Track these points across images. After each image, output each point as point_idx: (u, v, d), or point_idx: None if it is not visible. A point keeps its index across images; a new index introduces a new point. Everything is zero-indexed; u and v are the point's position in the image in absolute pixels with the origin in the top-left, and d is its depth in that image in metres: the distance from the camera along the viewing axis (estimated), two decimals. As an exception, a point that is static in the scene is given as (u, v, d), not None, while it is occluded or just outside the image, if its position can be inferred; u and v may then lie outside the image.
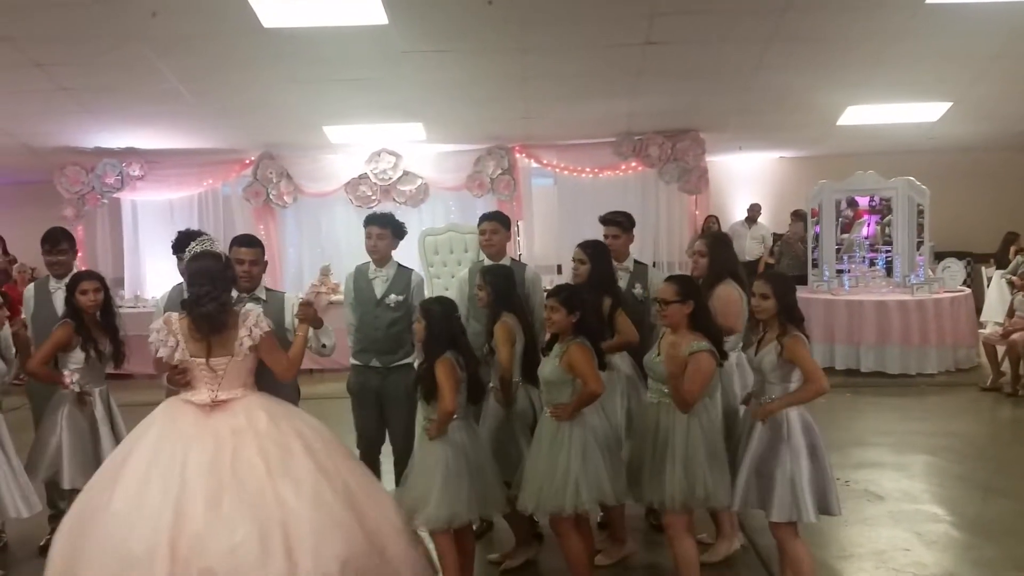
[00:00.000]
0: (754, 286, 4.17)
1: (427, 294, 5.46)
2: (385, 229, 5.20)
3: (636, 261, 5.41)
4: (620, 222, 5.37)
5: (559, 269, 11.90)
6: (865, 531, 5.26)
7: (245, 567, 3.40)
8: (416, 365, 4.38)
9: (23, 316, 5.52)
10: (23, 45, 7.63)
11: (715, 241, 5.00)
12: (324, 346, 4.61)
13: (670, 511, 4.09)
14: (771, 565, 4.59)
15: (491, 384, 4.66)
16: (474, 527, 4.39)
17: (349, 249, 12.10)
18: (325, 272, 10.89)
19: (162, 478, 3.55)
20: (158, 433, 3.72)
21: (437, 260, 10.79)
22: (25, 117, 9.76)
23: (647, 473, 4.19)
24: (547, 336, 4.47)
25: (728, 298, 4.61)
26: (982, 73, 9.40)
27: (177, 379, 3.86)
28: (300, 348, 4.18)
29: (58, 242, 5.36)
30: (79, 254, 5.60)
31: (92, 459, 4.70)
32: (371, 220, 5.25)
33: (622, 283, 5.20)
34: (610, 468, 4.18)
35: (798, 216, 11.98)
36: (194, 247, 4.11)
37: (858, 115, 10.72)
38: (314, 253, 12.28)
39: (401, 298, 5.11)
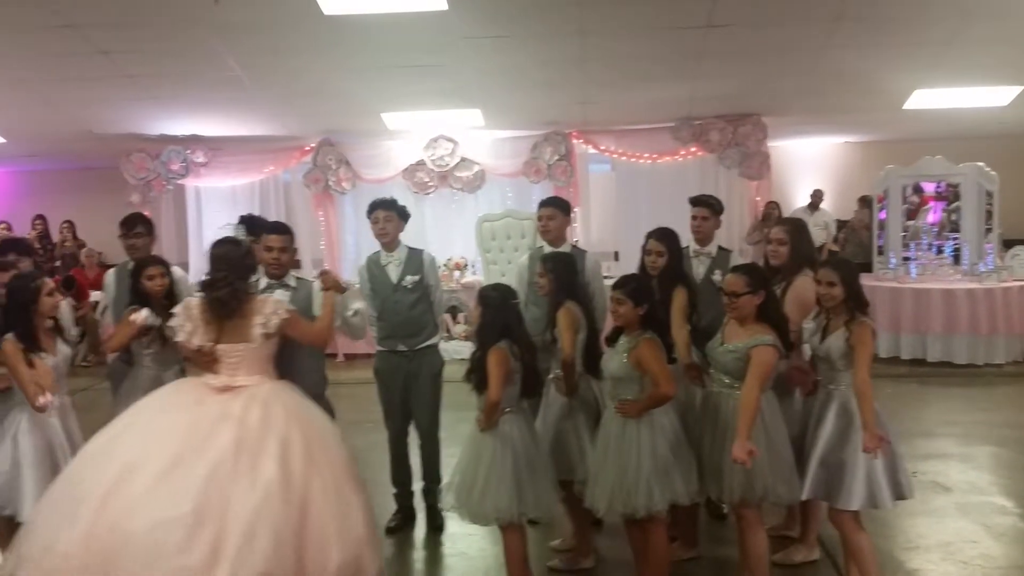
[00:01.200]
0: (820, 273, 4.10)
1: (483, 281, 5.46)
2: (391, 212, 5.27)
3: (720, 247, 5.28)
4: (711, 204, 5.25)
5: (616, 256, 11.84)
6: (932, 522, 5.17)
7: (165, 546, 3.37)
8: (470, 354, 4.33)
9: (96, 300, 5.65)
10: (89, 33, 7.79)
11: (796, 228, 4.82)
12: (355, 313, 4.63)
13: (741, 504, 4.03)
14: None
15: (551, 374, 4.60)
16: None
17: (406, 234, 12.18)
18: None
19: (132, 434, 3.65)
20: (157, 397, 3.84)
21: (494, 246, 10.80)
22: (92, 104, 9.97)
23: (706, 464, 4.13)
24: (609, 327, 4.39)
25: (808, 289, 4.38)
26: (1055, 56, 9.09)
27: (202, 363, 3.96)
28: (328, 313, 4.26)
29: (134, 225, 5.47)
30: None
31: None
32: (377, 205, 5.31)
33: (702, 268, 5.10)
34: (683, 467, 4.07)
35: (864, 202, 11.73)
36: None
37: (926, 99, 10.41)
38: (371, 239, 12.31)
39: (417, 278, 5.19)
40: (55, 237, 13.29)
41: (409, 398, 5.23)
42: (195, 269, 12.09)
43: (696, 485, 4.14)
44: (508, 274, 5.31)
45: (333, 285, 4.37)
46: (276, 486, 3.55)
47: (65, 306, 5.36)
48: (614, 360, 4.15)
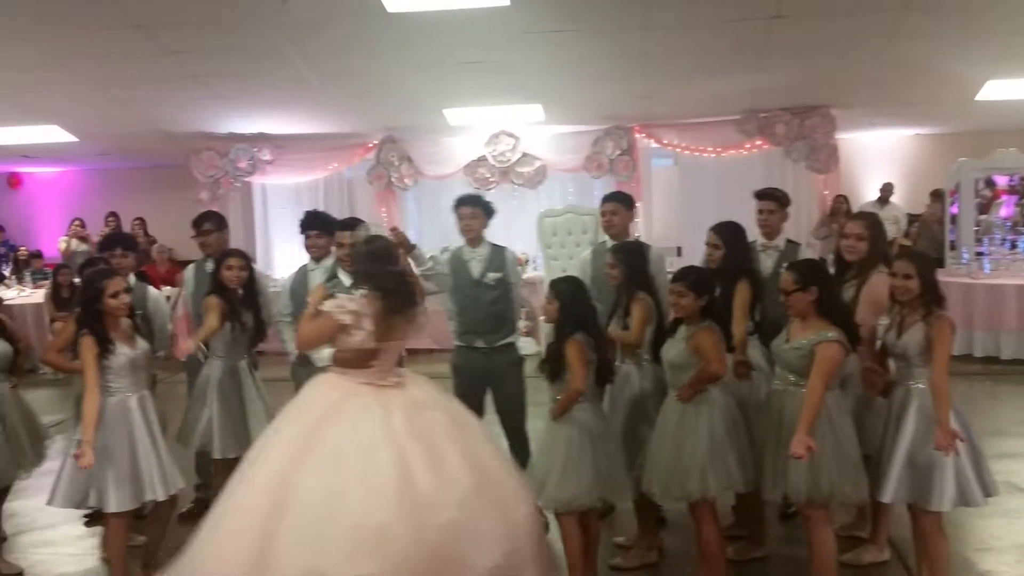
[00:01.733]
0: (895, 266, 4.00)
1: (545, 277, 5.46)
2: (477, 208, 5.27)
3: (788, 240, 5.20)
4: (778, 197, 5.18)
5: (679, 251, 11.72)
6: (1006, 524, 5.03)
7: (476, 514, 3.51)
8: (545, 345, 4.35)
9: (167, 295, 5.80)
10: (157, 33, 7.95)
11: (874, 223, 4.69)
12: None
13: (807, 504, 3.97)
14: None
15: (617, 363, 4.61)
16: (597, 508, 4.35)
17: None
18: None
19: (371, 450, 3.55)
20: (349, 411, 3.69)
21: (555, 242, 10.79)
22: (162, 103, 10.20)
23: (771, 464, 4.06)
24: (671, 318, 4.38)
25: (883, 287, 4.23)
26: None
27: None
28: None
29: (202, 223, 5.63)
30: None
31: (243, 430, 4.94)
32: (463, 201, 5.33)
33: (770, 262, 5.01)
34: (738, 454, 4.07)
35: (937, 196, 11.44)
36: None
37: (998, 90, 10.10)
38: (434, 235, 12.45)
39: (499, 275, 5.18)
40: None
41: (484, 395, 5.23)
42: (261, 265, 12.34)
43: (752, 473, 4.11)
44: (569, 270, 5.30)
45: (403, 241, 4.39)
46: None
47: (162, 300, 5.53)
48: (673, 348, 4.18)
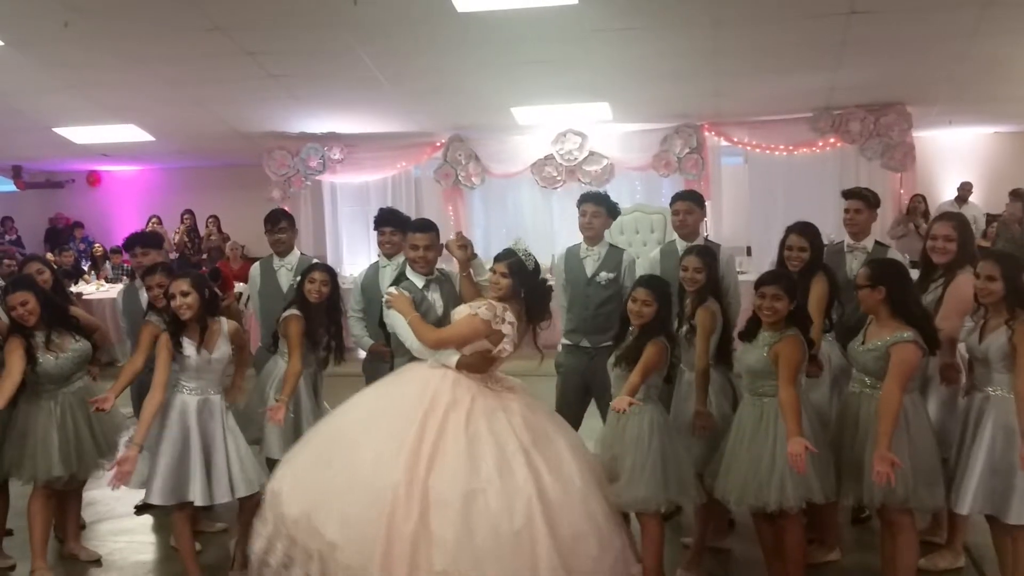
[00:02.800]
0: (980, 267, 3.86)
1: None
2: (600, 207, 5.18)
3: (877, 242, 5.09)
4: (866, 196, 5.08)
5: (748, 251, 11.56)
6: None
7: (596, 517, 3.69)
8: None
9: (240, 291, 5.86)
10: (235, 35, 8.12)
11: (964, 225, 4.55)
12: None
13: (890, 509, 3.88)
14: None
15: (682, 366, 4.55)
16: (663, 511, 4.31)
17: (535, 229, 12.27)
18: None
19: (503, 452, 3.66)
20: (478, 411, 3.79)
21: (622, 240, 10.66)
22: (236, 104, 10.41)
23: (845, 467, 3.98)
24: (743, 322, 4.30)
25: (969, 286, 4.11)
26: None
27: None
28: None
29: (277, 221, 5.69)
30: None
31: (292, 432, 4.87)
32: (586, 198, 5.26)
33: (855, 264, 4.87)
34: (818, 464, 3.91)
35: (1017, 196, 11.07)
36: (519, 246, 4.18)
37: (1082, 86, 9.78)
38: (500, 233, 12.48)
39: (612, 276, 5.08)
40: (202, 231, 13.94)
41: (586, 395, 5.18)
42: (331, 263, 12.50)
43: (833, 485, 4.00)
44: (637, 269, 5.23)
45: (468, 249, 4.41)
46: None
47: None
48: (753, 354, 4.06)
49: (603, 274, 5.12)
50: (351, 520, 3.53)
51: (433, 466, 3.56)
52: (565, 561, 3.49)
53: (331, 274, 5.03)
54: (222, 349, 4.47)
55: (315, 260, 5.45)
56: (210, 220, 13.76)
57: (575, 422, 5.18)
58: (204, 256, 13.41)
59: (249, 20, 7.81)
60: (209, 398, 4.43)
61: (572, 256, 5.31)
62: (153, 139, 11.91)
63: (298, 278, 5.12)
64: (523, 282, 3.99)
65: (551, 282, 4.53)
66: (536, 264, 4.08)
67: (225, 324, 4.54)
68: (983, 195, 12.21)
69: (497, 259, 4.07)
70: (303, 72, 9.26)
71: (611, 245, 5.29)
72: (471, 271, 4.41)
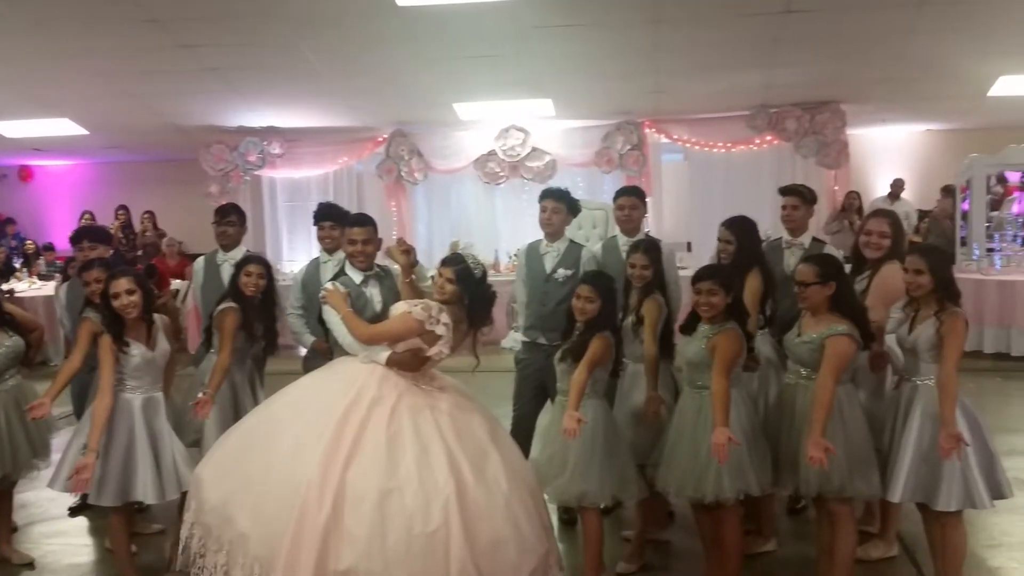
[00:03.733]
0: (907, 261, 3.95)
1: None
2: (560, 203, 5.19)
3: (814, 238, 5.16)
4: (802, 193, 5.15)
5: (689, 247, 11.68)
6: (1016, 520, 4.99)
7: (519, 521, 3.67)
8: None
9: (176, 288, 5.77)
10: (170, 27, 7.98)
11: (898, 222, 4.67)
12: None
13: (828, 499, 3.96)
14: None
15: (625, 360, 4.59)
16: (602, 506, 4.35)
17: (478, 225, 12.30)
18: (454, 248, 10.98)
19: (426, 451, 3.62)
20: (404, 408, 3.74)
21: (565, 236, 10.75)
22: (173, 97, 10.23)
23: (782, 457, 4.06)
24: (683, 316, 4.36)
25: (894, 277, 4.25)
26: None
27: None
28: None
29: (227, 214, 5.64)
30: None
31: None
32: (547, 194, 5.26)
33: (792, 260, 4.94)
34: (755, 457, 4.00)
35: (948, 192, 11.41)
36: (466, 252, 4.19)
37: (1011, 85, 10.06)
38: (443, 229, 12.48)
39: (570, 273, 5.07)
40: (137, 227, 13.68)
41: (543, 392, 5.15)
42: (270, 258, 12.35)
43: (770, 477, 4.07)
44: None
45: (410, 256, 4.39)
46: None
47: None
48: (692, 347, 4.11)
49: (561, 271, 5.13)
50: (263, 511, 3.49)
51: (351, 461, 3.51)
52: (480, 565, 3.45)
53: (266, 267, 4.97)
54: (162, 346, 4.41)
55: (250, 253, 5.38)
56: (145, 216, 13.50)
57: (530, 416, 5.22)
58: (139, 253, 13.15)
59: (186, 12, 7.68)
60: (152, 396, 4.36)
61: (532, 252, 5.31)
62: (87, 133, 11.66)
63: None
64: (468, 289, 3.97)
65: (505, 277, 4.53)
66: (484, 272, 4.07)
67: (159, 320, 4.47)
68: (915, 191, 12.54)
69: (444, 263, 4.06)
70: (241, 65, 9.14)
71: (571, 241, 5.29)
72: (414, 277, 4.38)
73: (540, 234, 5.35)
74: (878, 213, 4.86)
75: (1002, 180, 10.49)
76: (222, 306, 4.81)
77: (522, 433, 5.08)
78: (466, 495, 3.52)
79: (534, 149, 11.58)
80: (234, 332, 4.72)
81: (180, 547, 3.77)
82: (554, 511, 4.83)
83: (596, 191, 11.72)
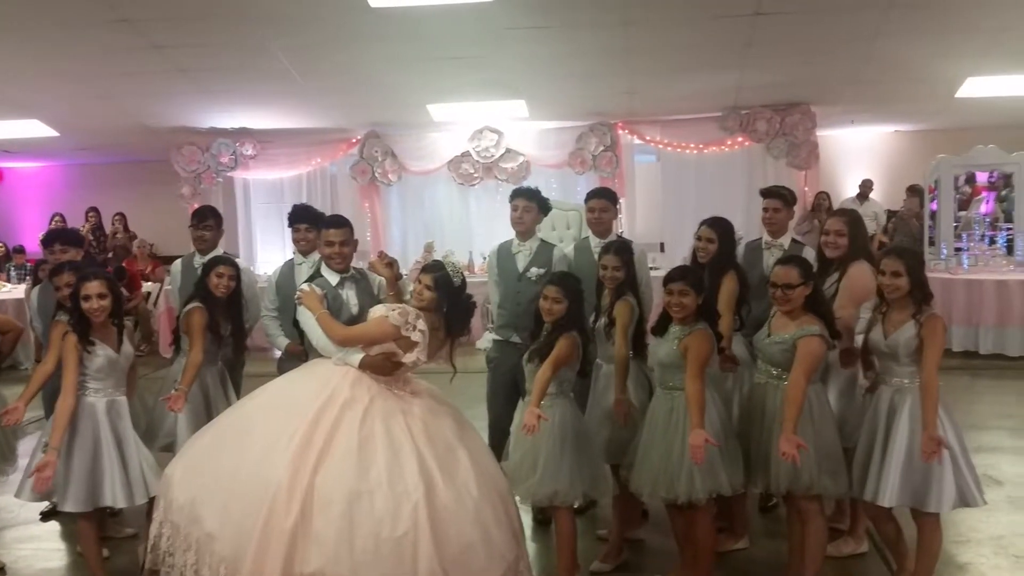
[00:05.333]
0: (884, 263, 3.94)
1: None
2: (531, 202, 5.21)
3: (794, 239, 5.19)
4: (783, 195, 5.17)
5: (662, 247, 11.79)
6: (984, 516, 5.03)
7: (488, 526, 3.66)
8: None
9: (148, 291, 5.73)
10: (142, 27, 7.92)
11: (854, 220, 4.71)
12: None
13: (795, 496, 4.00)
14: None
15: (598, 360, 4.64)
16: (576, 505, 4.38)
17: (452, 226, 12.30)
18: (429, 249, 11.05)
19: (398, 454, 3.60)
20: (376, 411, 3.74)
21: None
22: (144, 98, 10.16)
23: (753, 456, 4.11)
24: (655, 316, 4.39)
25: (864, 276, 4.34)
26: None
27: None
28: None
29: (204, 218, 5.59)
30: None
31: None
32: (518, 193, 5.29)
33: (772, 261, 4.86)
34: (727, 457, 4.03)
35: (914, 192, 11.57)
36: (447, 261, 4.21)
37: (978, 87, 10.22)
38: (417, 230, 12.48)
39: (542, 271, 5.07)
40: (108, 229, 13.56)
41: (515, 391, 5.19)
42: (244, 260, 12.30)
43: (741, 477, 4.11)
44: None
45: (394, 271, 4.39)
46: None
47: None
48: (663, 347, 4.14)
49: (533, 270, 5.15)
50: (231, 511, 3.48)
51: (321, 464, 3.50)
52: (449, 570, 3.45)
53: (236, 268, 4.96)
54: (126, 349, 4.39)
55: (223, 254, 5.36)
56: (116, 218, 13.41)
57: (505, 417, 5.20)
58: (110, 255, 13.05)
59: (157, 13, 7.63)
60: (116, 399, 4.33)
61: (504, 251, 5.33)
62: (57, 135, 11.54)
63: None
64: (447, 297, 3.98)
65: (480, 278, 4.54)
66: (463, 281, 4.07)
67: (127, 324, 4.46)
68: (883, 192, 12.69)
69: (424, 270, 4.06)
70: (213, 66, 9.09)
71: (543, 241, 5.31)
72: (398, 289, 4.38)
73: (512, 233, 5.36)
74: (836, 213, 4.92)
75: (970, 180, 10.64)
76: (188, 306, 4.81)
77: (499, 435, 5.11)
78: (436, 500, 3.52)
79: (508, 150, 11.62)
80: (203, 330, 4.71)
81: (149, 545, 3.76)
82: (528, 511, 4.87)
83: (570, 192, 11.76)
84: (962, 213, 10.49)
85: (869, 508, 4.07)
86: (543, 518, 4.99)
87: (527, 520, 4.92)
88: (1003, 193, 10.45)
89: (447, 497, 3.56)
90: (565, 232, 10.62)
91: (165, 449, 4.89)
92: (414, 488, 3.50)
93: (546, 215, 5.36)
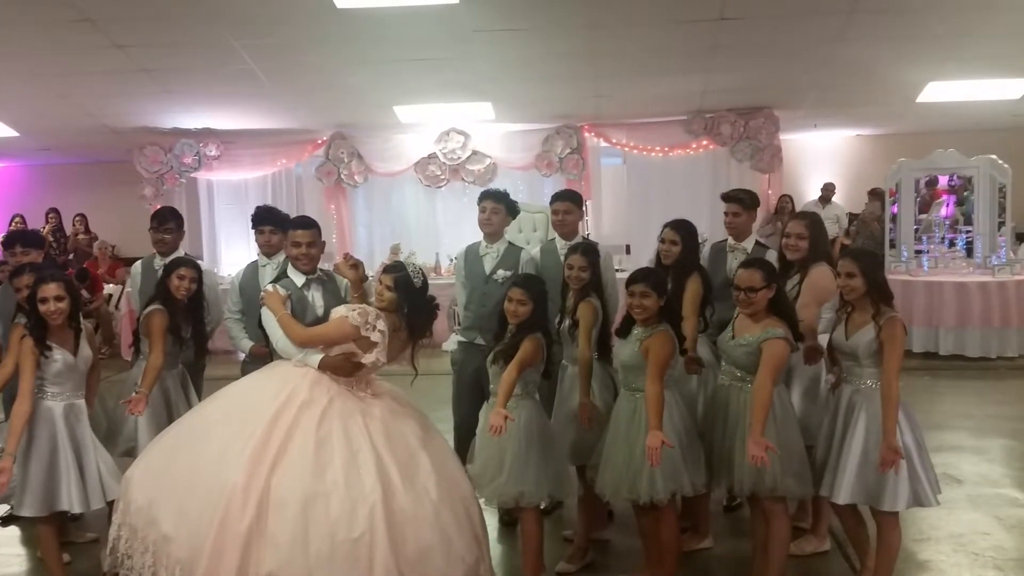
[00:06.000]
0: (839, 265, 4.02)
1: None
2: (499, 204, 5.21)
3: (757, 242, 5.23)
4: (742, 200, 5.21)
5: (628, 249, 11.84)
6: (943, 514, 5.11)
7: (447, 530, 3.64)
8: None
9: (110, 293, 5.65)
10: (104, 27, 7.83)
11: (815, 223, 4.77)
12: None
13: (760, 497, 4.03)
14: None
15: (564, 362, 4.65)
16: (542, 506, 4.39)
17: (418, 227, 12.27)
18: (395, 251, 11.00)
19: (356, 455, 3.59)
20: (334, 412, 3.71)
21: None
22: (106, 98, 10.03)
23: (716, 457, 4.14)
24: (619, 318, 4.41)
25: (825, 278, 4.39)
26: (1070, 48, 9.06)
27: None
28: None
29: (165, 220, 5.51)
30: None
31: None
32: (486, 195, 5.28)
33: (735, 264, 4.94)
34: (689, 458, 4.06)
35: (875, 195, 11.73)
36: (408, 260, 4.15)
37: (939, 91, 10.39)
38: (384, 232, 12.43)
39: (509, 274, 5.07)
40: (68, 230, 13.38)
41: (481, 392, 5.17)
42: (207, 263, 12.18)
43: (703, 478, 4.15)
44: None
45: (360, 273, 4.37)
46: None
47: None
48: (626, 349, 4.16)
49: (500, 272, 5.14)
50: (187, 514, 3.45)
51: (278, 465, 3.48)
52: (406, 573, 3.45)
53: (197, 270, 4.92)
54: (84, 352, 4.34)
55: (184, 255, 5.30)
56: (77, 219, 13.23)
57: (471, 419, 5.19)
58: (70, 256, 12.88)
59: (119, 12, 7.54)
60: (74, 403, 4.28)
61: (472, 253, 5.32)
62: (17, 134, 11.36)
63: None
64: (407, 297, 3.96)
65: (446, 280, 4.52)
66: (424, 281, 4.05)
67: (85, 327, 4.40)
68: (846, 195, 12.86)
69: (385, 271, 4.05)
70: (176, 66, 9.00)
71: (510, 243, 5.32)
72: (363, 291, 4.35)
73: (479, 237, 5.36)
74: (796, 216, 4.98)
75: (931, 184, 10.80)
76: (148, 308, 4.76)
77: (465, 437, 5.10)
78: (393, 502, 3.50)
79: (474, 152, 11.62)
80: (163, 333, 4.66)
81: (108, 547, 3.71)
82: (494, 513, 4.87)
83: (536, 194, 11.78)
84: (923, 216, 10.64)
85: (835, 504, 4.12)
86: (509, 519, 4.99)
87: (493, 522, 4.93)
88: (963, 196, 10.61)
89: (405, 500, 3.54)
90: (532, 234, 10.61)
91: (126, 454, 4.83)
92: (371, 490, 3.48)
93: (514, 218, 5.37)
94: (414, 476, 3.65)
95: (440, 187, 11.86)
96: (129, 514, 3.62)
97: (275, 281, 4.45)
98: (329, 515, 3.42)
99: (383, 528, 3.43)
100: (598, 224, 11.86)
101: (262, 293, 4.26)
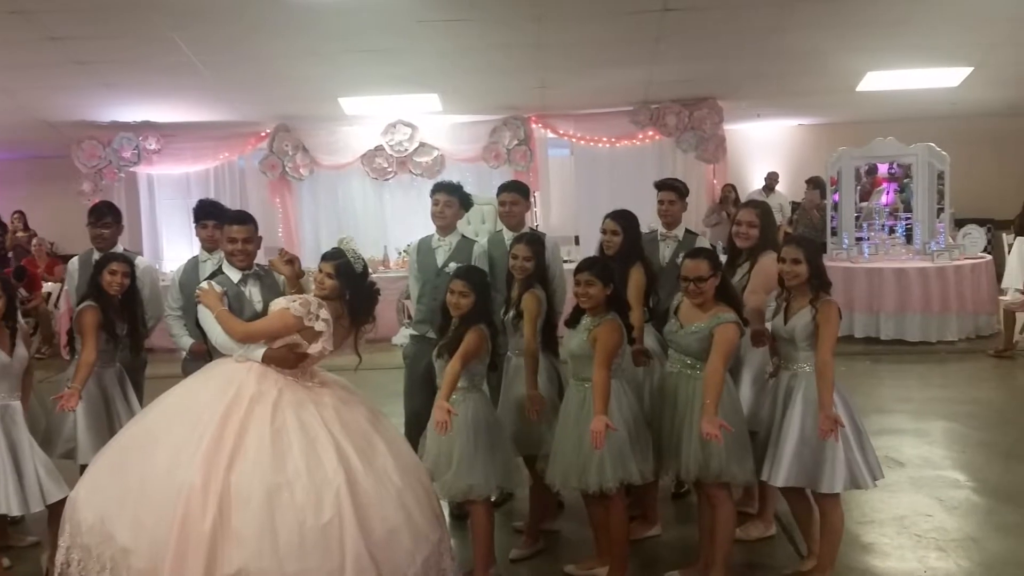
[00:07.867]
0: (784, 251, 4.11)
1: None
2: (452, 197, 5.17)
3: (688, 230, 5.29)
4: (676, 187, 5.27)
5: (576, 240, 11.89)
6: (886, 497, 5.23)
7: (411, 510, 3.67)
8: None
9: (48, 291, 5.52)
10: (38, 19, 7.64)
11: (765, 212, 4.84)
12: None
13: (704, 483, 4.08)
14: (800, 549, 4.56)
15: (508, 353, 4.65)
16: (492, 499, 4.39)
17: (366, 221, 12.17)
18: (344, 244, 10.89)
19: (314, 443, 3.56)
20: (286, 403, 3.67)
21: (454, 231, 10.76)
22: (41, 91, 9.81)
23: (664, 444, 4.18)
24: (568, 310, 4.42)
25: (774, 266, 4.37)
26: (1004, 38, 9.28)
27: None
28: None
29: (102, 215, 5.40)
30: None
31: (107, 435, 4.63)
32: (439, 188, 5.24)
33: (667, 252, 5.11)
34: (637, 446, 4.09)
35: (814, 184, 11.89)
36: (347, 245, 4.08)
37: (878, 81, 10.59)
38: (331, 225, 12.30)
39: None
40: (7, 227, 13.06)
41: (432, 386, 5.14)
42: (149, 257, 11.96)
43: (651, 466, 4.18)
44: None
45: (296, 269, 4.31)
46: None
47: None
48: (575, 339, 4.18)
49: (452, 265, 5.10)
50: (144, 523, 3.40)
51: (235, 461, 3.44)
52: (375, 554, 3.45)
53: (130, 264, 4.85)
54: (20, 352, 4.24)
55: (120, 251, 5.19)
56: (15, 216, 12.90)
57: (422, 413, 5.15)
58: (8, 254, 12.56)
59: (53, 4, 7.39)
60: (9, 404, 4.18)
61: (424, 246, 5.29)
62: (-51, 129, 11.06)
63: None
64: (349, 284, 3.92)
65: (395, 273, 4.48)
66: (364, 266, 4.03)
67: (21, 326, 4.29)
68: (788, 184, 13.03)
69: (324, 258, 3.99)
70: (114, 58, 8.82)
71: (463, 236, 5.29)
72: (300, 287, 4.30)
73: (430, 229, 5.34)
74: (747, 204, 5.05)
75: (871, 172, 10.97)
76: (81, 305, 4.68)
77: (416, 430, 5.08)
78: (357, 485, 3.50)
79: (422, 144, 11.56)
80: (95, 329, 4.59)
81: (57, 573, 3.62)
82: (446, 507, 4.85)
83: (485, 186, 11.69)
84: (863, 204, 10.81)
85: (783, 490, 4.18)
86: (460, 513, 4.98)
87: (444, 515, 4.91)
88: (903, 184, 10.81)
89: (368, 483, 3.54)
90: (480, 226, 10.60)
91: (66, 456, 4.75)
92: (334, 475, 3.47)
93: (467, 211, 5.34)
94: (372, 459, 3.65)
95: (387, 180, 11.78)
96: (80, 535, 3.53)
97: (211, 278, 4.38)
98: (295, 503, 3.40)
99: (350, 511, 3.43)
100: (547, 215, 11.88)
101: (197, 291, 4.19)
